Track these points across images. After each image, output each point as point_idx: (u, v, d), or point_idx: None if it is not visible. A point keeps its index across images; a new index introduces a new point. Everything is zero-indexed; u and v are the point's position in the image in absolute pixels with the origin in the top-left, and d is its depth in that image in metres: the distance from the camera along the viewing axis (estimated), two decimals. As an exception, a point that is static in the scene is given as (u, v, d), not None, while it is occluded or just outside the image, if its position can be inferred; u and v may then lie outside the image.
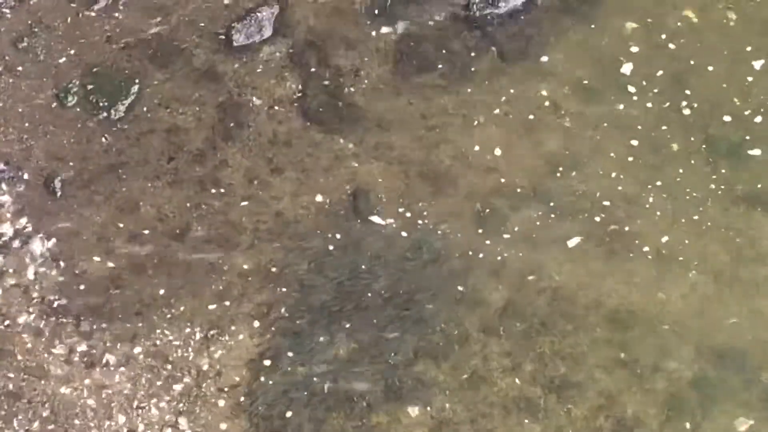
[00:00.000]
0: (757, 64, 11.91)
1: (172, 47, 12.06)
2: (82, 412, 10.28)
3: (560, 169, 11.55)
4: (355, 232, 11.24)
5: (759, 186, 11.39)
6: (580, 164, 11.58)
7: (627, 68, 11.94)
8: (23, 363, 10.45)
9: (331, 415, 10.33)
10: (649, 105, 11.78)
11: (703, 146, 11.59)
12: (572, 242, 11.12)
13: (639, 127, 11.71)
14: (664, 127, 11.68)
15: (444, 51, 12.07)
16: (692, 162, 11.53)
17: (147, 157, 11.58)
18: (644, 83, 11.87)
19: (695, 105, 11.78)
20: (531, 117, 11.80)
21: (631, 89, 11.88)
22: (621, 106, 11.81)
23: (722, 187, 11.40)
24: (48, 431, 10.16)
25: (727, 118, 11.70)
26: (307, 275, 11.00)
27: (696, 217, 11.27)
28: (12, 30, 12.04)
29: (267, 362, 10.59)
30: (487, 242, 11.17)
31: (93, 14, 12.15)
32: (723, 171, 11.48)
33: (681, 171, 11.50)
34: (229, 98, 11.89)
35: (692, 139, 11.62)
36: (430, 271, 11.04)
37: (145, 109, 11.81)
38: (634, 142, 11.62)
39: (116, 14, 12.15)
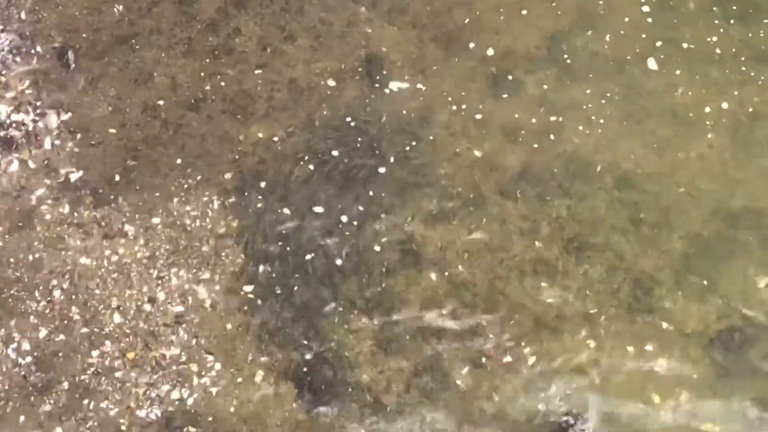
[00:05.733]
0: None
1: None
2: (103, 282, 9.81)
3: (574, 29, 10.92)
4: (368, 97, 10.62)
5: (778, 44, 10.77)
6: (595, 24, 10.94)
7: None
8: (42, 234, 9.95)
9: (349, 279, 9.78)
10: (666, -38, 11.06)
11: (719, 4, 10.92)
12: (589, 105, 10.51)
13: (654, -14, 11.05)
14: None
15: None
16: (709, 20, 10.83)
17: (160, 27, 10.95)
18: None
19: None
20: (544, -22, 11.13)
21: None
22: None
23: (740, 45, 10.73)
24: (68, 302, 9.68)
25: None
26: (320, 140, 10.41)
27: (713, 77, 10.64)
28: None
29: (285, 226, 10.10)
30: (503, 105, 10.50)
31: None
32: (740, 29, 10.80)
33: (697, 30, 10.83)
34: (240, -34, 11.23)
35: (709, -4, 11.00)
36: (444, 135, 10.41)
37: (156, -22, 11.20)
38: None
39: None
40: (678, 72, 10.61)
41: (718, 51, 10.70)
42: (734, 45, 10.72)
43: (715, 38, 10.76)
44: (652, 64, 10.68)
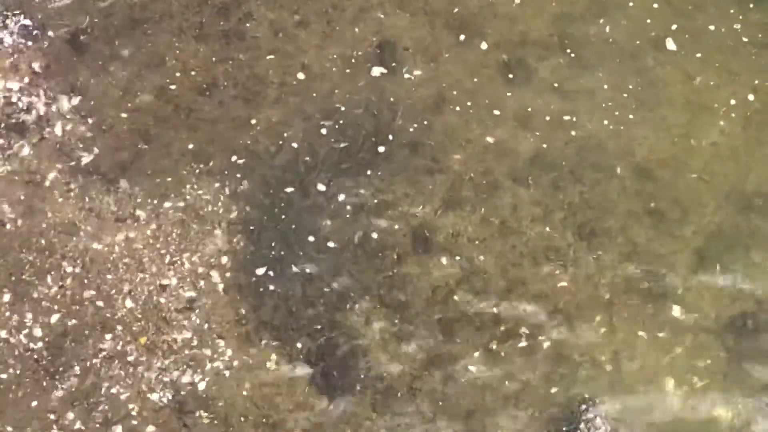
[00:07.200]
0: None
1: None
2: (114, 267, 9.71)
3: (587, 16, 10.82)
4: (380, 84, 10.50)
5: (791, 30, 10.68)
6: (608, 11, 10.85)
7: None
8: (54, 220, 9.85)
9: (361, 265, 9.71)
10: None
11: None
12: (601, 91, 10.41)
13: (667, -28, 10.96)
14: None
15: None
16: (721, 6, 10.71)
17: (171, 12, 10.83)
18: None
19: (727, -54, 11.00)
20: (557, -35, 11.04)
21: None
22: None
23: (753, 32, 10.64)
24: (80, 286, 9.59)
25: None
26: (333, 127, 10.30)
27: (726, 64, 10.54)
28: None
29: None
30: (515, 92, 10.40)
31: None
32: (753, 15, 10.69)
33: (710, 16, 10.72)
34: (251, -49, 11.10)
35: (723, -18, 10.89)
36: (456, 122, 10.30)
37: (167, -36, 11.09)
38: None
39: None
40: (690, 58, 10.53)
41: (732, 37, 10.61)
42: (748, 30, 10.62)
43: (729, 24, 10.68)
44: (664, 50, 10.59)
